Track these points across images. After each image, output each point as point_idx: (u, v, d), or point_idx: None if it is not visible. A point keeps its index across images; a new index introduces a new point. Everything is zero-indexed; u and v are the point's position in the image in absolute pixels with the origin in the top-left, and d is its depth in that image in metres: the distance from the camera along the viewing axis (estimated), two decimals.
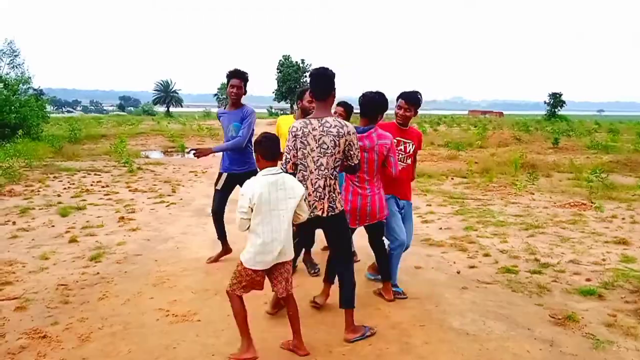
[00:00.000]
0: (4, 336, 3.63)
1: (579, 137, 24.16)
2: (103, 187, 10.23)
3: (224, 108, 5.36)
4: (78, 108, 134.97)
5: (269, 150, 3.21)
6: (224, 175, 5.23)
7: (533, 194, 9.91)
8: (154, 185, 10.68)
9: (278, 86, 69.03)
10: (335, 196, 3.58)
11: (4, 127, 17.89)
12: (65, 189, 9.89)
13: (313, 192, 3.53)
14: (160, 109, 79.51)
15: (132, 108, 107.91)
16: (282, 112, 67.30)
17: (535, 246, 6.07)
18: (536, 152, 17.34)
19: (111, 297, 4.38)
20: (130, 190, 9.89)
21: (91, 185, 10.43)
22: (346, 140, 3.50)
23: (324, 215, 3.56)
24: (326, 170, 3.51)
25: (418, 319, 4.04)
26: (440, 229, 7.06)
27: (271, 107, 72.89)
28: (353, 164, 3.60)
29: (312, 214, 3.52)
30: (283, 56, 70.69)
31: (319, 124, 3.49)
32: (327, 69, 3.63)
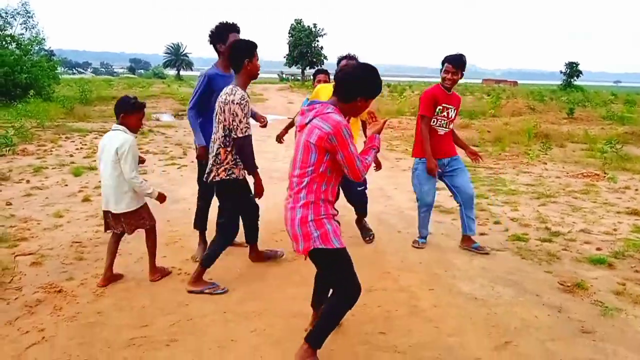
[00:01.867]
0: (21, 290, 3.72)
1: (595, 108, 23.73)
2: None
3: (218, 69, 4.24)
4: (89, 69, 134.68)
5: (115, 109, 3.70)
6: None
7: (546, 163, 9.82)
8: (165, 147, 10.72)
9: (289, 51, 68.05)
10: (222, 165, 3.65)
11: (16, 87, 17.95)
12: (77, 149, 9.96)
13: (210, 157, 3.73)
14: (171, 72, 79.15)
15: (142, 71, 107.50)
16: (292, 77, 66.57)
17: (547, 215, 6.05)
18: (550, 122, 17.09)
19: (124, 255, 4.44)
20: (141, 152, 9.92)
21: None
22: (230, 108, 3.50)
23: (208, 180, 3.75)
24: (215, 136, 3.66)
25: (427, 283, 4.07)
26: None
27: (282, 72, 72.06)
28: (235, 137, 3.56)
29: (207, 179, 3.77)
30: (295, 20, 69.47)
31: (230, 92, 3.55)
32: (237, 41, 3.74)
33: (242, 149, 3.61)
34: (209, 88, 4.15)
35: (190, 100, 4.25)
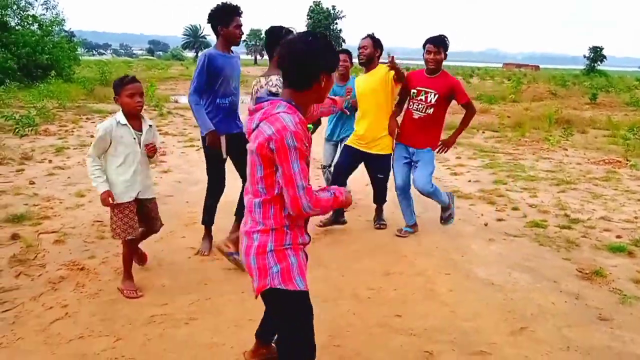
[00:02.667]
0: (45, 267, 3.81)
1: (618, 94, 23.23)
2: None
3: (218, 50, 3.98)
4: (108, 51, 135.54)
5: None
6: (222, 138, 4.04)
7: (566, 149, 9.68)
8: (184, 129, 10.79)
9: None
10: None
11: (37, 68, 18.16)
12: None
13: None
14: (189, 54, 79.33)
15: (161, 52, 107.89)
16: None
17: (566, 202, 5.99)
18: (572, 108, 16.79)
19: None
20: (160, 134, 10.02)
21: None
22: None
23: None
24: None
25: (444, 267, 4.07)
26: (469, 181, 7.00)
27: None
28: None
29: None
30: (314, 2, 68.93)
31: (265, 82, 3.55)
32: (276, 28, 3.60)
33: None
34: (209, 69, 3.88)
35: (191, 85, 3.94)
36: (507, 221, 5.28)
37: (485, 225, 5.14)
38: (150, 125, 3.44)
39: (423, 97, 4.48)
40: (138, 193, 3.41)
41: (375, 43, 4.63)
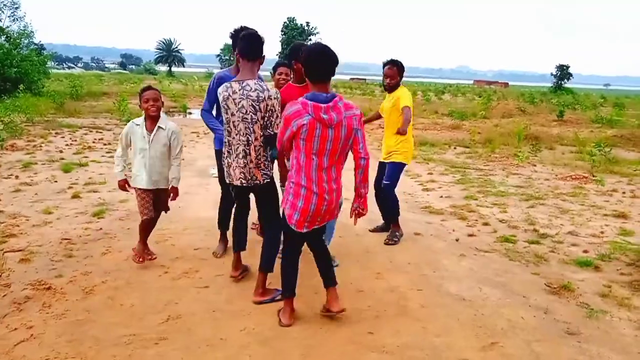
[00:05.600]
0: (10, 286, 3.70)
1: (584, 111, 23.97)
2: (105, 144, 10.23)
3: (229, 71, 4.35)
4: (79, 64, 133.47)
5: None
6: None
7: (535, 165, 9.91)
8: None
9: (282, 49, 68.02)
10: (266, 164, 3.57)
11: (5, 82, 17.79)
12: (67, 145, 9.90)
13: (234, 157, 3.53)
14: (162, 68, 78.69)
15: (133, 66, 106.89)
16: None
17: (535, 217, 6.11)
18: (540, 125, 17.23)
19: (114, 253, 4.44)
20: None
21: (93, 142, 10.43)
22: (267, 105, 3.40)
23: (249, 184, 3.56)
24: (246, 137, 3.45)
25: (416, 283, 4.10)
26: (441, 197, 7.10)
27: (273, 70, 71.96)
28: (272, 133, 3.44)
29: (234, 181, 3.59)
30: (288, 18, 69.48)
31: (240, 87, 3.44)
32: (258, 32, 3.62)
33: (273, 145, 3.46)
34: (216, 88, 4.09)
35: (204, 104, 4.29)
36: (478, 237, 5.36)
37: (457, 240, 5.20)
38: (161, 128, 4.00)
39: None
40: (153, 183, 4.07)
41: (399, 70, 4.97)
